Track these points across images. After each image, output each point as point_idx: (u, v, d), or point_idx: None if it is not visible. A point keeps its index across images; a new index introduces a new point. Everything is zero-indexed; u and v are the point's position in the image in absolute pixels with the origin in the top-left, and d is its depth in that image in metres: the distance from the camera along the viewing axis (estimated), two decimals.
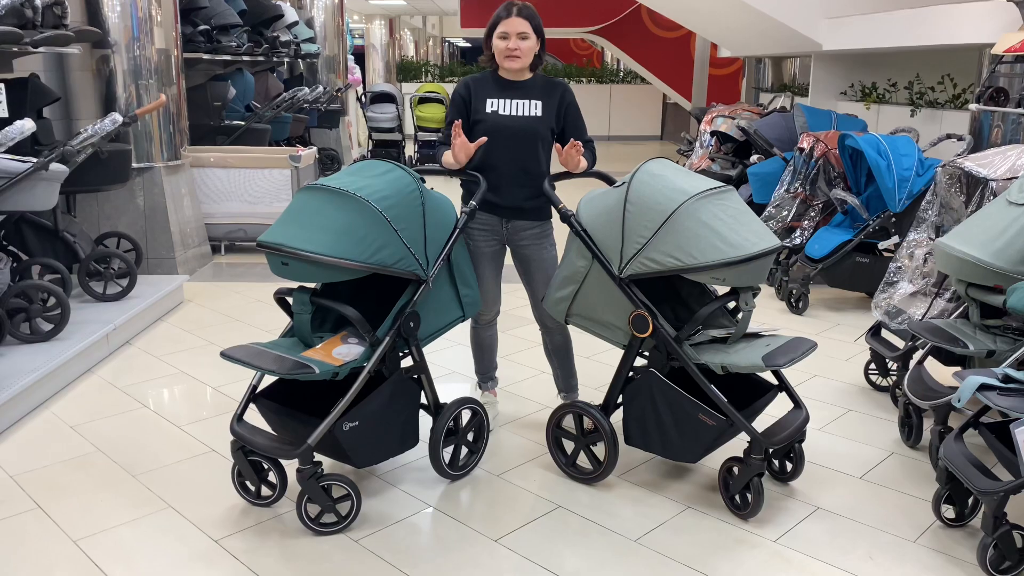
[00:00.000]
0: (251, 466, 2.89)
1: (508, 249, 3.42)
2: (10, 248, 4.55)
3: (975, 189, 3.78)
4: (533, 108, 3.22)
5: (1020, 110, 5.05)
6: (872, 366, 4.09)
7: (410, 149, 11.80)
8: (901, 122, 7.22)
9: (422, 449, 3.15)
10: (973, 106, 5.53)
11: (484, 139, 3.13)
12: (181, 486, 3.09)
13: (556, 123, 3.28)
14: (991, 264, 3.09)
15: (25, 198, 4.21)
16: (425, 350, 3.04)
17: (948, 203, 3.98)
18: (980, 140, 5.71)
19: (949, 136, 5.60)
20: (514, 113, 3.21)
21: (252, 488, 2.93)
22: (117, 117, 4.70)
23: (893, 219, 5.10)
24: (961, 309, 3.47)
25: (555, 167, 3.27)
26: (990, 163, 3.76)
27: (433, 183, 3.00)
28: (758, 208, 5.92)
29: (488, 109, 3.22)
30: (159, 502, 2.97)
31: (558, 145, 3.18)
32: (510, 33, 3.16)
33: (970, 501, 2.80)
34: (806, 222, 5.65)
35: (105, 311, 4.72)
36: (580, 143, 3.13)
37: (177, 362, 4.41)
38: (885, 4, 8.38)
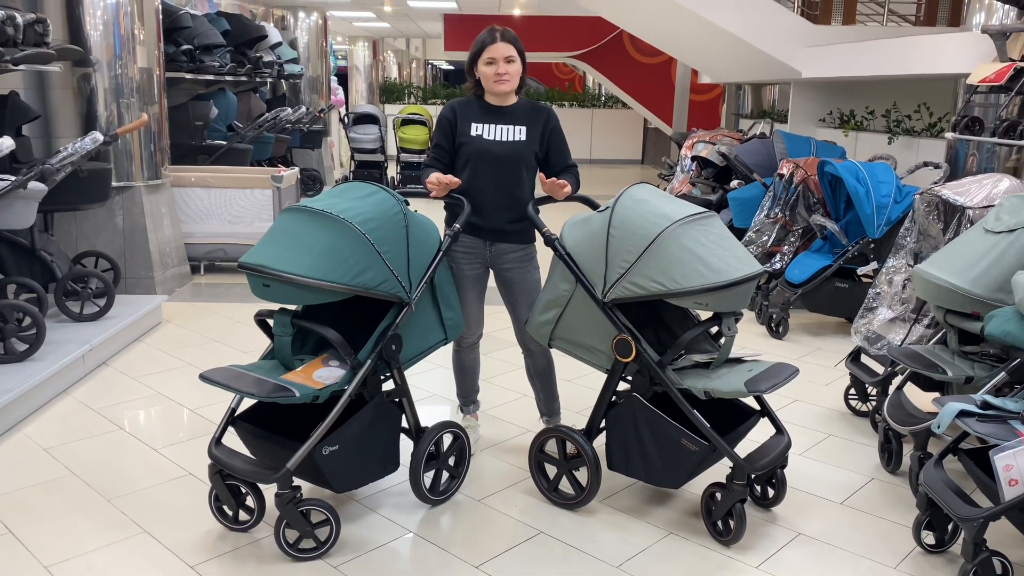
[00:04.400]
0: (229, 490, 2.85)
1: (491, 272, 3.41)
2: None
3: (952, 217, 3.83)
4: (518, 133, 3.24)
5: (995, 139, 5.14)
6: (852, 391, 4.11)
7: (392, 170, 11.80)
8: (879, 149, 7.32)
9: (403, 474, 3.12)
10: (949, 135, 5.62)
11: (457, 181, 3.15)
12: (157, 510, 3.04)
13: (540, 148, 3.29)
14: (969, 291, 3.12)
15: (2, 216, 4.17)
16: (407, 373, 3.02)
17: (926, 230, 4.03)
18: (956, 168, 5.79)
19: (926, 164, 5.68)
20: (499, 138, 3.23)
21: (230, 513, 2.89)
22: (98, 136, 4.67)
23: (872, 245, 5.15)
24: (939, 335, 3.51)
25: (539, 191, 3.28)
26: (967, 191, 3.82)
27: (417, 205, 3.00)
28: (738, 233, 5.97)
29: (473, 133, 3.23)
30: (134, 527, 2.92)
31: (542, 175, 3.20)
32: (497, 58, 3.18)
33: (950, 527, 2.81)
34: (786, 247, 5.69)
35: (82, 331, 4.66)
36: (561, 180, 3.15)
37: (154, 383, 4.35)
38: (863, 34, 8.52)
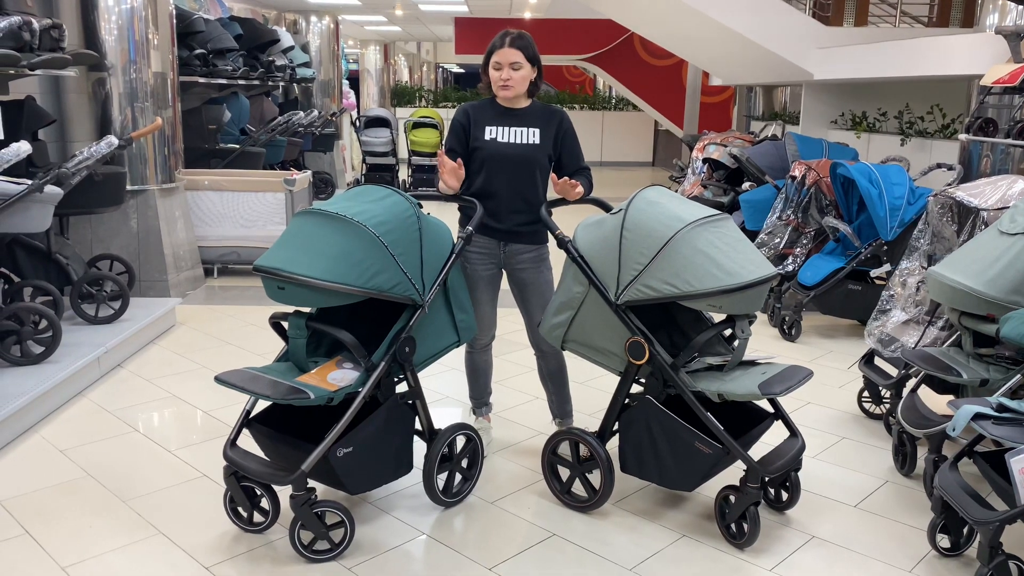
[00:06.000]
0: (244, 492, 2.86)
1: (504, 273, 3.42)
2: (2, 270, 4.53)
3: (967, 219, 3.82)
4: (531, 136, 3.25)
5: (1009, 140, 5.11)
6: (866, 394, 4.09)
7: (404, 173, 11.83)
8: (891, 151, 7.29)
9: (416, 476, 3.13)
10: (963, 136, 5.59)
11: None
12: (172, 512, 3.06)
13: (553, 150, 3.31)
14: (983, 293, 3.11)
15: (19, 220, 4.20)
16: (420, 375, 3.03)
17: (940, 232, 4.02)
18: (969, 170, 5.77)
19: (940, 165, 5.65)
20: (512, 140, 3.24)
21: (244, 514, 2.91)
22: (113, 140, 4.71)
23: (885, 247, 5.13)
24: (954, 338, 3.49)
25: (552, 194, 3.29)
26: (981, 193, 3.80)
27: (429, 208, 3.01)
28: (750, 235, 5.95)
29: (487, 136, 3.25)
30: (150, 528, 2.94)
31: (554, 176, 3.21)
32: (503, 64, 3.20)
33: (965, 531, 2.79)
34: (798, 249, 5.68)
35: (97, 334, 4.69)
36: (573, 180, 3.16)
37: (169, 386, 4.38)
38: (875, 35, 8.49)
